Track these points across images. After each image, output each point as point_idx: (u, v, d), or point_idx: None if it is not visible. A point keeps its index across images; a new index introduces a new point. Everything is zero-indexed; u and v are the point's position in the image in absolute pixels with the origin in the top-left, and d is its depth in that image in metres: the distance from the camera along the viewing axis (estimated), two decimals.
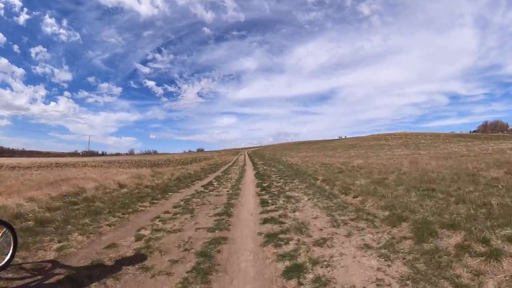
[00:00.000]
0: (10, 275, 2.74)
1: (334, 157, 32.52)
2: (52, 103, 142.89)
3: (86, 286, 2.61)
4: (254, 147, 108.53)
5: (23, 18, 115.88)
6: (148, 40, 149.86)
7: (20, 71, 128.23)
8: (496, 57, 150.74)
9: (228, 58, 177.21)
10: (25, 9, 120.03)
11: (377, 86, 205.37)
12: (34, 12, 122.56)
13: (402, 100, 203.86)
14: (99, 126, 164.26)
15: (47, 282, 2.66)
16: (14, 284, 2.60)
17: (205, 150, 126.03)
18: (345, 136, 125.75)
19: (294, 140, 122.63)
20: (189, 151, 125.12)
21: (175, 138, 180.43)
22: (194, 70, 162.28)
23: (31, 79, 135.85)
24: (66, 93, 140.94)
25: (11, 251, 2.81)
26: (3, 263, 2.71)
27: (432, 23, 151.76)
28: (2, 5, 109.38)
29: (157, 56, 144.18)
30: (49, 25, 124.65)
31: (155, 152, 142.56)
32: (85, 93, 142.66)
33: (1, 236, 2.73)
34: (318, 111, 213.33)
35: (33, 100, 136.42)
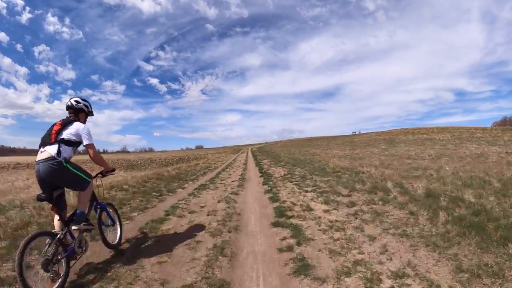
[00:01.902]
0: None
1: (394, 156, 18.78)
2: (56, 102, 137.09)
3: None
4: (259, 144, 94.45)
5: (25, 17, 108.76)
6: (151, 37, 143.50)
7: (23, 70, 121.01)
8: (504, 53, 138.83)
9: (231, 55, 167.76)
10: (28, 8, 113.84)
11: (382, 83, 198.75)
12: (36, 11, 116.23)
13: (408, 97, 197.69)
14: (104, 124, 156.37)
15: None
16: None
17: (204, 147, 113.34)
18: (359, 132, 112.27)
19: (299, 137, 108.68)
20: (187, 148, 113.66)
21: (180, 135, 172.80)
22: (197, 67, 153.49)
23: (34, 78, 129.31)
24: (70, 91, 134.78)
25: (119, 230, 3.32)
26: (117, 240, 3.21)
27: (439, 18, 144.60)
28: (5, 5, 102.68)
29: (160, 53, 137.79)
30: (52, 23, 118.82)
31: (151, 150, 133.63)
32: (89, 91, 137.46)
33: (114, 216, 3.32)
34: (323, 108, 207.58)
35: (37, 99, 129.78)
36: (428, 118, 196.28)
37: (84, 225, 2.62)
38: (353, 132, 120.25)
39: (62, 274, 2.29)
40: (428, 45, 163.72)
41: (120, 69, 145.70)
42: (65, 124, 2.64)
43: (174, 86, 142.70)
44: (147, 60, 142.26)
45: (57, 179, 2.49)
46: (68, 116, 2.80)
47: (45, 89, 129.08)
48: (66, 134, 2.57)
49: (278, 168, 12.71)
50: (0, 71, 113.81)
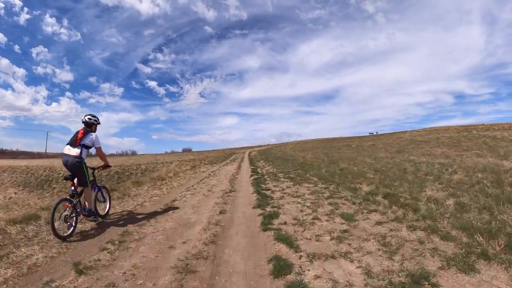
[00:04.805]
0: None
1: None
2: (54, 104, 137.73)
3: None
4: (258, 146, 74.72)
5: (23, 17, 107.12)
6: (149, 39, 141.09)
7: (21, 71, 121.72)
8: (503, 55, 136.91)
9: (230, 57, 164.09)
10: (26, 9, 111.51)
11: (381, 86, 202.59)
12: (34, 12, 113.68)
13: (407, 99, 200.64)
14: (101, 126, 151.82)
15: None
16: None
17: (193, 150, 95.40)
18: (377, 132, 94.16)
19: (299, 139, 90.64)
20: (172, 152, 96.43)
21: (178, 139, 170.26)
22: (196, 69, 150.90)
23: (32, 80, 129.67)
24: (68, 93, 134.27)
25: (108, 205, 4.68)
26: (105, 212, 4.53)
27: (439, 20, 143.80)
28: (3, 5, 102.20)
29: (159, 55, 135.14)
30: (50, 24, 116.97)
31: (133, 153, 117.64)
32: (87, 94, 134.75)
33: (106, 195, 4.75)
34: (322, 111, 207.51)
35: (35, 101, 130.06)
36: (426, 122, 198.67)
37: (93, 218, 4.02)
38: (370, 133, 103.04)
39: (73, 224, 3.58)
40: (428, 47, 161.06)
41: (118, 71, 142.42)
42: (85, 133, 3.98)
43: (173, 88, 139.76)
44: (145, 62, 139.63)
45: (75, 171, 3.83)
46: (84, 127, 4.07)
47: (43, 91, 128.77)
48: (85, 140, 3.93)
49: None
50: None
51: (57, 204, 3.49)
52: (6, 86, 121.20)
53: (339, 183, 6.44)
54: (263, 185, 6.94)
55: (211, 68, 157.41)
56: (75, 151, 3.79)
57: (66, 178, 3.91)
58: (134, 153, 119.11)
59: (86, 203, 3.91)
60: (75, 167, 3.77)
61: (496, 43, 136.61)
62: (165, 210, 4.82)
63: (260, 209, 4.42)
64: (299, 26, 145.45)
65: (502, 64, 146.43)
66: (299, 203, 4.71)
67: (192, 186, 7.77)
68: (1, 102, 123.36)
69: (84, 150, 3.89)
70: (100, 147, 4.09)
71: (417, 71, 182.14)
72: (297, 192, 5.70)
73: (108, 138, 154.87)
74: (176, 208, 5.00)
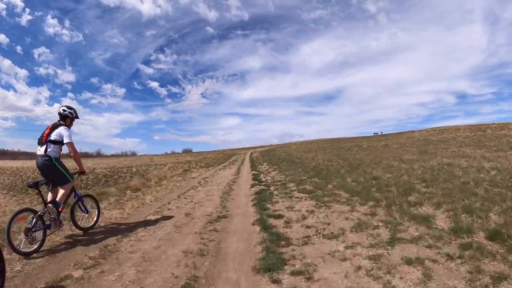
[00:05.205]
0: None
1: None
2: (56, 105, 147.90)
3: None
4: (261, 147, 72.11)
5: (25, 18, 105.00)
6: (150, 39, 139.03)
7: (23, 72, 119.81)
8: (505, 54, 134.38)
9: (232, 57, 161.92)
10: (27, 10, 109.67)
11: (383, 86, 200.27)
12: (36, 13, 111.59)
13: (409, 99, 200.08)
14: (103, 127, 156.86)
15: None
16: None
17: (193, 151, 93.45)
18: (381, 132, 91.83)
19: (301, 140, 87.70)
20: (172, 152, 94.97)
21: (180, 139, 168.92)
22: (197, 70, 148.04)
23: (34, 81, 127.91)
24: (70, 94, 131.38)
25: (96, 217, 3.99)
26: (91, 224, 3.88)
27: (441, 19, 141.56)
28: (4, 6, 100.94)
29: (160, 56, 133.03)
30: (52, 25, 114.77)
31: (133, 154, 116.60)
32: (89, 94, 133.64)
33: (91, 206, 3.99)
34: (324, 112, 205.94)
35: (37, 102, 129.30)
36: (429, 122, 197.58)
37: (56, 212, 3.24)
38: (374, 133, 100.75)
39: (39, 240, 3.01)
40: (430, 47, 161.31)
41: (120, 72, 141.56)
42: (53, 127, 3.39)
43: (174, 89, 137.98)
44: (147, 63, 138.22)
45: (48, 172, 3.32)
46: (58, 120, 3.50)
47: (45, 92, 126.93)
48: (53, 135, 3.33)
49: None
50: (0, 73, 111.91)
51: (15, 214, 2.96)
52: (8, 87, 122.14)
53: (388, 205, 4.16)
54: (269, 206, 4.66)
55: (213, 68, 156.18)
56: (41, 150, 3.37)
57: (29, 186, 3.33)
58: (133, 154, 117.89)
59: (59, 196, 3.38)
60: (46, 167, 3.34)
61: (499, 43, 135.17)
62: (92, 265, 2.58)
63: (269, 278, 2.17)
64: (300, 26, 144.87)
65: (505, 64, 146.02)
66: (345, 258, 2.43)
67: (169, 203, 5.50)
68: (3, 103, 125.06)
69: (53, 146, 3.35)
70: (71, 143, 3.43)
71: (419, 71, 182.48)
72: (328, 224, 3.43)
73: (110, 139, 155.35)
74: (114, 256, 2.76)
